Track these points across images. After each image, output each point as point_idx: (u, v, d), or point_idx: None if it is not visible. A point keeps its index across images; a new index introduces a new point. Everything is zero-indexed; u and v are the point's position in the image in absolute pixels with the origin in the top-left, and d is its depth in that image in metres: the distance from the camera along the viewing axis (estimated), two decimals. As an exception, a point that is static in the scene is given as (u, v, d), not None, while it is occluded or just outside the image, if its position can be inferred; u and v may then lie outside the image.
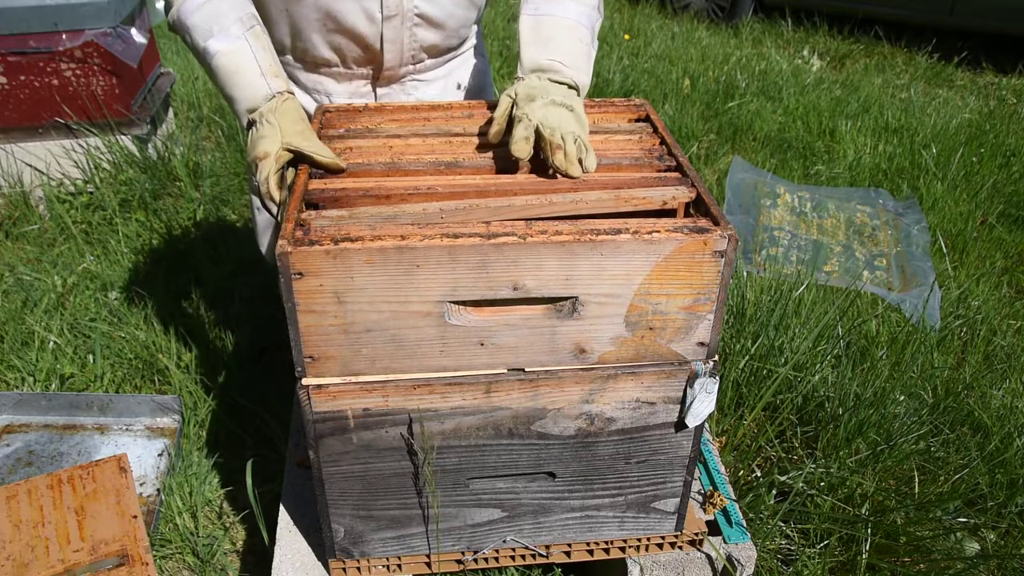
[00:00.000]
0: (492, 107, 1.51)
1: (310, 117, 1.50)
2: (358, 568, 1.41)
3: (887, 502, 1.84)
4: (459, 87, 1.66)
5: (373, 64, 1.53)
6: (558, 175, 1.24)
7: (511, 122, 1.28)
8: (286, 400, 2.09)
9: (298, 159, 1.27)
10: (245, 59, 1.32)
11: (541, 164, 1.29)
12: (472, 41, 1.68)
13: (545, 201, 1.18)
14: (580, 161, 1.23)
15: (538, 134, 1.23)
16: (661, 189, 1.21)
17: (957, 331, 2.58)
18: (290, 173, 1.29)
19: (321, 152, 1.24)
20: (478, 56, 1.71)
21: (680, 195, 1.20)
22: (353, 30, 1.44)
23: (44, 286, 2.59)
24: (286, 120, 1.28)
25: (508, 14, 6.02)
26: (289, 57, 1.54)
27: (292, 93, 1.34)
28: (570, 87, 1.33)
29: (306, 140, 1.26)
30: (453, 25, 1.52)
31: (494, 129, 1.30)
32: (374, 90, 1.58)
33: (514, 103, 1.29)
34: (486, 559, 1.44)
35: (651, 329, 1.18)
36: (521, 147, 1.22)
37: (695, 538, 1.46)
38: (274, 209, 1.28)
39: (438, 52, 1.57)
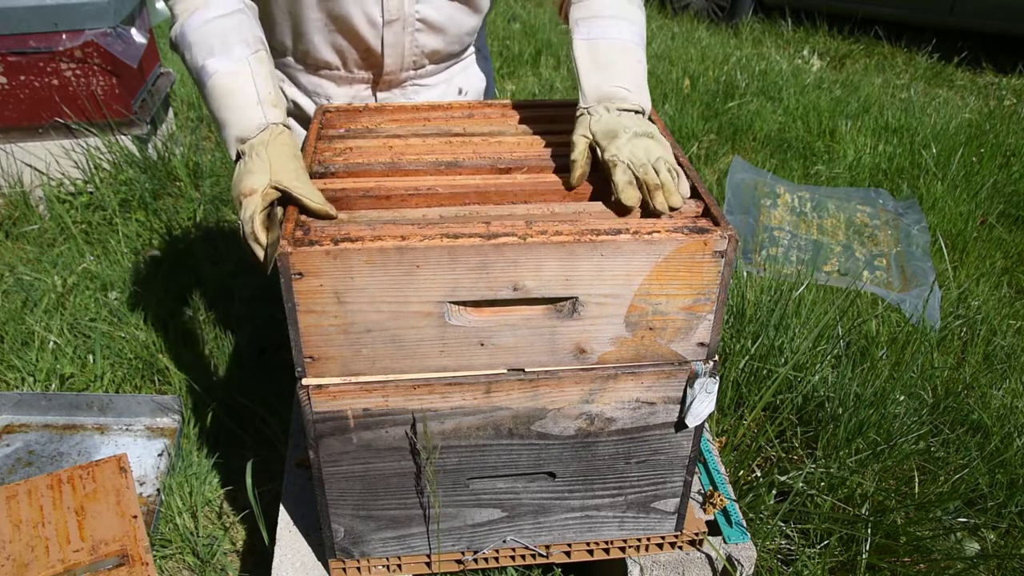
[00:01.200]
0: (491, 107, 1.51)
1: (308, 122, 1.50)
2: (358, 568, 1.41)
3: (887, 502, 1.84)
4: (460, 92, 1.66)
5: (374, 68, 1.52)
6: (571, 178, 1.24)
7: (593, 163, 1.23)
8: (286, 400, 2.09)
9: (286, 200, 1.17)
10: (243, 82, 1.23)
11: (538, 159, 1.29)
12: (475, 46, 1.67)
13: (547, 211, 1.17)
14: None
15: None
16: None
17: (957, 331, 2.58)
18: (279, 212, 1.18)
19: (312, 196, 1.14)
20: (481, 60, 1.70)
21: (687, 210, 1.18)
22: (354, 33, 1.44)
23: (44, 286, 2.59)
24: (278, 157, 1.18)
25: (508, 14, 6.02)
26: (290, 59, 1.54)
27: (288, 127, 1.26)
28: (637, 112, 1.29)
29: (298, 181, 1.16)
30: (455, 31, 1.51)
31: (577, 173, 1.23)
32: (374, 95, 1.58)
33: (592, 142, 1.24)
34: (486, 559, 1.44)
35: (651, 329, 1.18)
36: (630, 195, 1.16)
37: (695, 538, 1.46)
38: (259, 252, 1.15)
39: (440, 58, 1.56)
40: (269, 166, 1.17)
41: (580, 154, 1.23)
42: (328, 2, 1.39)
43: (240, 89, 1.23)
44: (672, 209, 1.16)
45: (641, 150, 1.20)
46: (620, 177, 1.17)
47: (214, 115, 1.26)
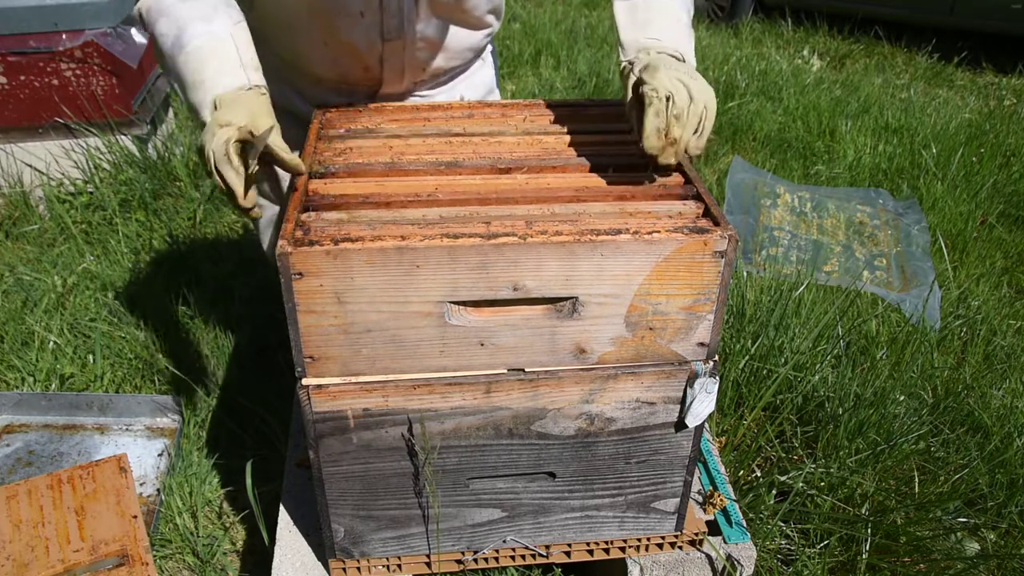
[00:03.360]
0: (491, 107, 1.51)
1: (307, 125, 1.49)
2: (358, 568, 1.41)
3: (887, 502, 1.84)
4: (462, 100, 1.65)
5: (373, 84, 1.51)
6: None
7: (640, 103, 1.21)
8: (286, 400, 2.09)
9: (264, 156, 1.18)
10: (226, 47, 1.24)
11: (538, 159, 1.29)
12: (480, 56, 1.65)
13: (547, 212, 1.17)
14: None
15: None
16: (668, 203, 1.20)
17: (957, 331, 2.58)
18: (252, 164, 1.17)
19: (285, 148, 1.18)
20: (486, 68, 1.69)
21: (687, 210, 1.19)
22: (354, 52, 1.42)
23: (44, 286, 2.59)
24: (260, 110, 1.20)
25: (508, 14, 6.02)
26: (289, 69, 1.53)
27: (266, 93, 1.26)
28: (677, 59, 1.26)
29: (274, 134, 1.18)
30: (456, 47, 1.50)
31: (633, 121, 1.24)
32: None
33: (638, 81, 1.22)
34: (486, 559, 1.44)
35: (651, 329, 1.18)
36: (653, 143, 1.16)
37: (695, 538, 1.46)
38: (235, 183, 1.15)
39: (442, 72, 1.55)
40: (249, 113, 1.17)
41: (631, 102, 1.24)
42: (326, 22, 1.37)
43: (223, 52, 1.23)
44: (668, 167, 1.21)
45: (684, 90, 1.17)
46: (650, 121, 1.15)
47: (189, 78, 1.23)
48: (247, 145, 1.17)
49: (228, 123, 1.15)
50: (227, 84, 1.21)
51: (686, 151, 1.20)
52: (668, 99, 1.15)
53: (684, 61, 1.26)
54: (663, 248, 1.10)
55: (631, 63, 1.27)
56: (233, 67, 1.23)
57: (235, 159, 1.14)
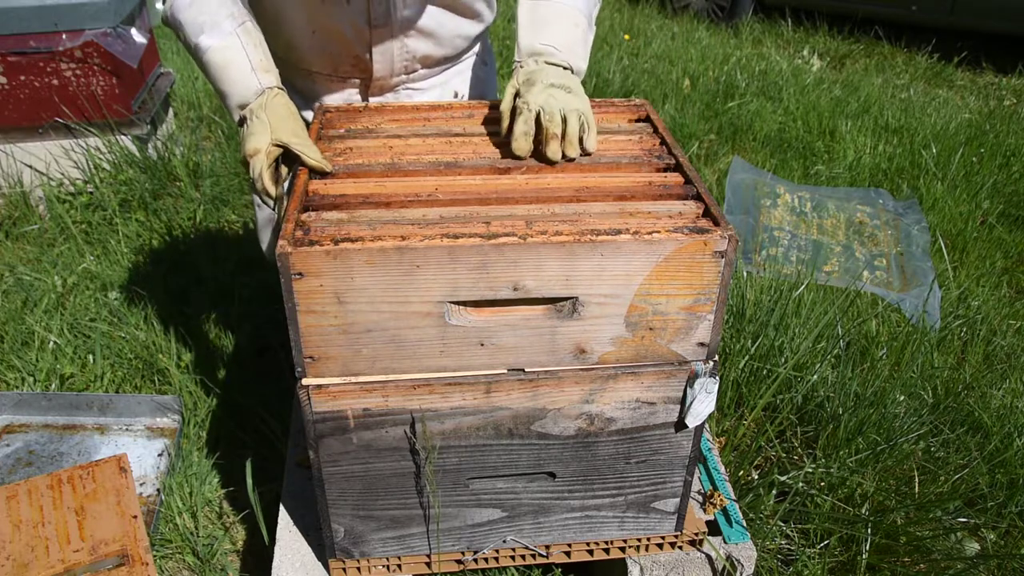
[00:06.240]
0: (492, 107, 1.51)
1: (306, 120, 1.50)
2: (358, 568, 1.41)
3: (887, 502, 1.84)
4: (456, 96, 1.64)
5: (364, 74, 1.52)
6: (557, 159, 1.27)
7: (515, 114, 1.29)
8: (286, 400, 2.09)
9: (289, 156, 1.28)
10: (236, 54, 1.31)
11: (540, 157, 1.29)
12: (474, 50, 1.65)
13: (547, 212, 1.17)
14: (581, 140, 1.27)
15: (537, 123, 1.26)
16: (668, 203, 1.20)
17: (957, 331, 2.58)
18: (284, 170, 1.30)
19: (309, 152, 1.25)
20: (480, 65, 1.69)
21: (687, 210, 1.19)
22: (342, 41, 1.43)
23: (44, 286, 2.59)
24: (276, 116, 1.28)
25: (508, 14, 6.02)
26: (281, 63, 1.54)
27: (283, 88, 1.34)
28: (565, 69, 1.34)
29: (296, 137, 1.27)
30: (445, 34, 1.51)
31: (505, 123, 1.31)
32: (365, 99, 1.57)
33: (517, 92, 1.31)
34: (486, 559, 1.44)
35: (651, 329, 1.18)
36: (520, 144, 1.26)
37: (695, 538, 1.46)
38: (270, 204, 1.30)
39: (433, 62, 1.55)
40: (269, 126, 1.27)
41: (507, 105, 1.31)
42: (315, 11, 1.39)
43: (234, 61, 1.31)
44: (567, 158, 1.26)
45: (554, 100, 1.26)
46: (517, 127, 1.26)
47: (215, 87, 1.36)
48: (279, 160, 1.30)
49: (256, 151, 1.28)
50: (242, 94, 1.32)
51: (583, 148, 1.29)
52: (539, 112, 1.26)
53: (569, 70, 1.34)
54: (663, 248, 1.10)
55: (519, 64, 1.36)
56: (244, 75, 1.31)
57: (271, 189, 1.29)
